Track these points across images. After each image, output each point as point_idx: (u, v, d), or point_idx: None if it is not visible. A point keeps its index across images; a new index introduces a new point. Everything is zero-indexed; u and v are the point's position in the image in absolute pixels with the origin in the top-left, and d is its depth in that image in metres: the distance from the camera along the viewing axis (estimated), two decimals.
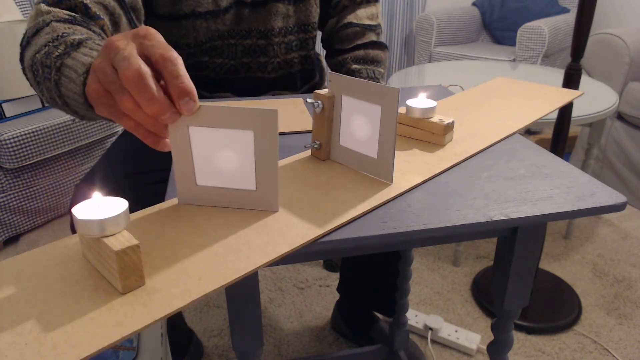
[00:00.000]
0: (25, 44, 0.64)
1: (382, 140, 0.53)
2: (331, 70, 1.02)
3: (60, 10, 0.66)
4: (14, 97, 1.74)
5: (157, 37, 0.43)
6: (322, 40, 1.05)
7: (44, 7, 0.66)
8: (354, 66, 0.97)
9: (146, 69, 0.41)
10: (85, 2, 0.68)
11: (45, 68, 0.57)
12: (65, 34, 0.60)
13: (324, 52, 1.07)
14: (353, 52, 0.99)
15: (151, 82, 0.41)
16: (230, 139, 0.46)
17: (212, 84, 0.95)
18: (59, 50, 0.57)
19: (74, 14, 0.67)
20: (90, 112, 0.57)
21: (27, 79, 0.65)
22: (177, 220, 0.47)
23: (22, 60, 0.65)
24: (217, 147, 0.46)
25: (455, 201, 0.51)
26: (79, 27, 0.63)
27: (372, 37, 1.00)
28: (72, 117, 1.78)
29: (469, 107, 0.77)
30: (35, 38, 0.62)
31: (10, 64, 1.70)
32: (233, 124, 0.45)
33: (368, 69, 0.97)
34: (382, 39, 1.04)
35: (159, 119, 0.43)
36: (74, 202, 0.84)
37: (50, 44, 0.59)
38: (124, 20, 0.74)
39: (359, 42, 0.99)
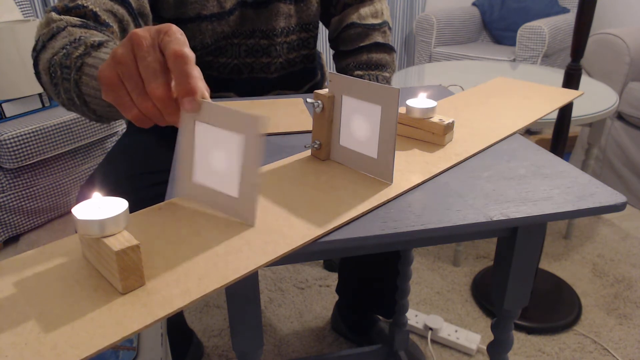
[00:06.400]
0: (40, 48, 0.64)
1: (382, 140, 0.53)
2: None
3: (72, 18, 0.67)
4: (14, 97, 1.74)
5: (176, 34, 0.44)
6: (329, 40, 1.05)
7: (55, 15, 0.67)
8: (357, 72, 0.97)
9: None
10: (94, 10, 0.69)
11: (64, 69, 0.58)
12: (83, 37, 0.60)
13: (331, 52, 1.06)
14: (356, 56, 0.98)
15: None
16: (225, 139, 0.45)
17: (215, 84, 0.95)
18: (79, 51, 0.57)
19: (85, 20, 0.67)
20: (109, 109, 0.57)
21: (42, 82, 0.65)
22: (177, 220, 0.47)
23: (36, 64, 0.65)
24: (213, 145, 0.46)
25: (455, 201, 0.51)
26: (95, 32, 0.64)
27: (376, 37, 0.99)
28: (72, 117, 1.78)
29: (469, 107, 0.77)
30: (52, 42, 0.63)
31: (11, 64, 1.70)
32: (228, 125, 0.44)
33: (371, 74, 0.96)
34: (390, 36, 1.03)
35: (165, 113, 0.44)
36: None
37: (69, 46, 0.59)
38: (132, 26, 0.74)
39: (362, 44, 0.97)
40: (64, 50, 0.59)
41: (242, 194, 0.45)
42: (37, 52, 0.65)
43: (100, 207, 0.39)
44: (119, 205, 0.39)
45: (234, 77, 0.95)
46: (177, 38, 0.44)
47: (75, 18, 0.67)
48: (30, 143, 1.66)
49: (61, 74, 0.58)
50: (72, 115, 1.80)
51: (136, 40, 0.44)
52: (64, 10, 0.68)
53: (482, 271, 1.53)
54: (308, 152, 0.62)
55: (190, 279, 0.39)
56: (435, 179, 0.56)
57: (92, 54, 0.56)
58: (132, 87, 0.44)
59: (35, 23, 1.78)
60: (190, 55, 0.43)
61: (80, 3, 0.68)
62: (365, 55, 0.97)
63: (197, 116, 0.45)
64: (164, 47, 0.43)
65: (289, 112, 0.77)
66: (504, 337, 0.64)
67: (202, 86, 0.44)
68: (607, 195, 0.51)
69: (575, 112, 1.30)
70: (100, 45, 0.57)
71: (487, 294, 1.42)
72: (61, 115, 1.77)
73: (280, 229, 0.45)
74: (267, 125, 0.43)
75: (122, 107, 0.46)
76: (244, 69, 0.95)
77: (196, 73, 0.43)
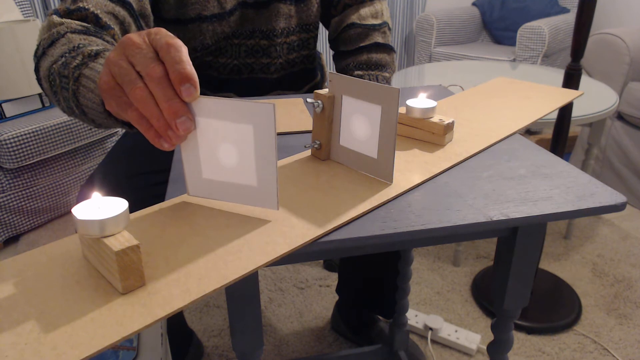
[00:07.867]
0: (40, 54, 0.64)
1: (382, 140, 0.53)
2: None
3: (73, 22, 0.67)
4: (14, 97, 1.74)
5: (167, 32, 0.44)
6: (329, 41, 1.05)
7: (56, 18, 0.67)
8: (357, 72, 0.97)
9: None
10: (95, 12, 0.69)
11: (62, 78, 0.58)
12: (81, 45, 0.60)
13: (331, 52, 1.06)
14: (356, 56, 0.98)
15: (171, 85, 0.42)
16: (231, 132, 0.45)
17: (215, 84, 0.95)
18: (77, 61, 0.57)
19: (86, 24, 0.67)
20: (107, 121, 0.57)
21: (43, 88, 0.65)
22: (177, 220, 0.47)
23: (37, 70, 0.65)
24: (220, 140, 0.46)
25: (455, 201, 0.51)
26: (94, 38, 0.64)
27: (376, 37, 0.99)
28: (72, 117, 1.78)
29: (469, 107, 0.77)
30: (51, 49, 0.62)
31: (11, 64, 1.70)
32: (233, 117, 0.44)
33: (371, 74, 0.96)
34: (390, 36, 1.03)
35: (173, 122, 0.42)
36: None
37: (67, 54, 0.59)
38: (133, 28, 0.74)
39: (362, 44, 0.97)
40: (63, 59, 0.59)
41: (261, 182, 0.46)
42: (37, 59, 0.65)
43: (100, 207, 0.39)
44: (119, 205, 0.39)
45: (234, 78, 0.95)
46: (167, 34, 0.44)
47: (76, 22, 0.67)
48: (30, 143, 1.66)
49: (60, 83, 0.58)
50: None
51: (127, 42, 0.43)
52: (66, 13, 0.68)
53: (482, 271, 1.53)
54: (308, 152, 0.62)
55: (190, 279, 0.39)
56: (435, 179, 0.56)
57: (89, 65, 0.56)
58: (126, 80, 0.43)
59: (35, 23, 1.78)
60: (182, 45, 0.43)
61: (81, 5, 0.68)
62: (365, 55, 0.97)
63: (198, 112, 0.44)
64: (155, 44, 0.43)
65: (289, 112, 0.77)
66: (504, 337, 0.64)
67: (195, 74, 0.43)
68: (607, 195, 0.51)
69: (575, 112, 1.30)
70: (97, 55, 0.57)
71: (487, 294, 1.42)
72: (61, 115, 1.77)
73: (280, 229, 0.45)
74: (274, 112, 0.43)
75: (122, 110, 0.44)
76: (244, 69, 0.95)
77: (189, 61, 0.43)
